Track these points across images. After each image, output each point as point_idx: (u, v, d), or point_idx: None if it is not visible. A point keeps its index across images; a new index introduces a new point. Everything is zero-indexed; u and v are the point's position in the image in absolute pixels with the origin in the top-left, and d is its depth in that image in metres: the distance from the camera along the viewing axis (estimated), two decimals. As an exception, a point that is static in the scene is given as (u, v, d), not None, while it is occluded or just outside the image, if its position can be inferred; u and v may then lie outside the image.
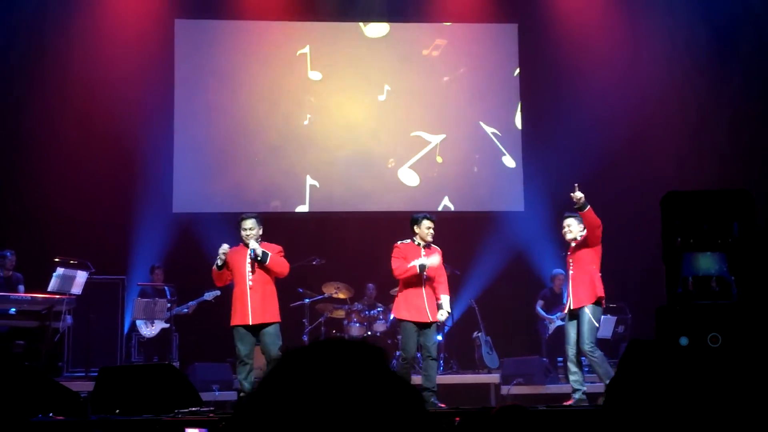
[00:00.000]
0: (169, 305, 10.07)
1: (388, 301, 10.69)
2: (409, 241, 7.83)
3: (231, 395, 8.98)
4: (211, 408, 7.02)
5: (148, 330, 10.10)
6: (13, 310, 9.13)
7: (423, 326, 7.65)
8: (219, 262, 7.43)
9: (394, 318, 8.32)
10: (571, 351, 7.55)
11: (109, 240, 10.94)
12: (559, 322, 10.15)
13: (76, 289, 9.34)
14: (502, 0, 12.21)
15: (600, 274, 7.63)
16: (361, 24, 12.07)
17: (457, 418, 5.83)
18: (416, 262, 7.63)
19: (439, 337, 10.23)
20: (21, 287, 9.61)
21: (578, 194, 7.61)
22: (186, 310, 10.25)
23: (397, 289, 10.20)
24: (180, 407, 6.29)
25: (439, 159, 11.94)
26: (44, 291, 9.24)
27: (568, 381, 7.86)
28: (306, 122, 11.84)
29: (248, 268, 7.40)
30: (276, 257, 7.45)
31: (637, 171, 11.58)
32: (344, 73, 11.95)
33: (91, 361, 9.69)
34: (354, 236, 11.39)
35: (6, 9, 11.14)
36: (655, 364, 2.67)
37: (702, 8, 11.62)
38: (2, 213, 10.81)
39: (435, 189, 11.90)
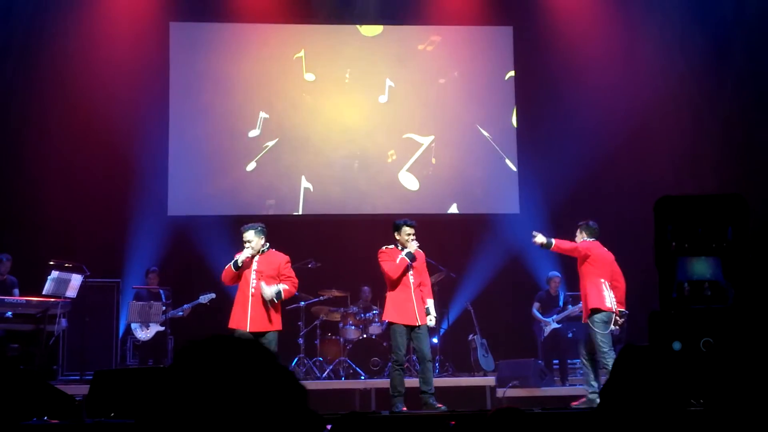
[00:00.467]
0: (164, 308, 10.07)
1: (383, 304, 10.69)
2: (392, 246, 7.88)
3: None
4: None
5: (144, 333, 10.09)
6: (10, 313, 9.12)
7: (413, 329, 7.70)
8: (239, 262, 7.44)
9: (386, 322, 8.35)
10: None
11: (104, 243, 10.93)
12: (554, 325, 10.17)
13: (71, 292, 9.33)
14: (497, 3, 12.23)
15: (601, 284, 7.94)
16: (356, 25, 12.09)
17: (452, 422, 5.84)
18: (402, 255, 7.73)
19: (435, 340, 10.24)
20: (16, 291, 9.59)
21: (538, 239, 8.13)
22: (181, 313, 10.24)
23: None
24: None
25: (433, 161, 11.96)
26: (39, 294, 9.23)
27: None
28: (303, 125, 11.84)
29: (253, 275, 7.47)
30: (288, 291, 7.56)
31: (631, 174, 11.60)
32: (340, 74, 11.96)
33: (86, 365, 9.69)
34: (350, 239, 11.38)
35: (1, 13, 11.13)
36: (648, 369, 2.68)
37: (697, 12, 11.65)
38: (-3, 216, 10.80)
39: (430, 191, 11.90)
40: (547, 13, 12.09)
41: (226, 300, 9.15)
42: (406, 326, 7.69)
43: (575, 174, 11.46)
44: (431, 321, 7.85)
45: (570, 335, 10.06)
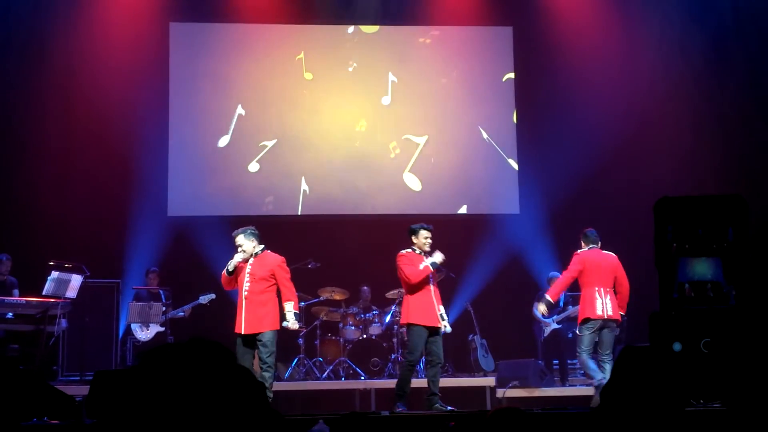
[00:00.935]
0: (164, 309, 10.06)
1: (383, 304, 10.70)
2: (410, 250, 7.87)
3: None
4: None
5: (144, 334, 10.09)
6: (10, 314, 9.11)
7: (433, 332, 7.74)
8: (230, 267, 7.51)
9: (399, 325, 8.36)
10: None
11: (104, 244, 10.93)
12: (555, 326, 10.16)
13: (71, 292, 9.33)
14: (497, 3, 12.23)
15: (594, 292, 8.19)
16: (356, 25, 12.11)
17: (452, 423, 5.83)
18: (427, 262, 7.73)
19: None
20: (16, 291, 9.59)
21: (542, 308, 8.85)
22: (181, 313, 10.24)
23: (396, 291, 10.28)
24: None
25: (432, 161, 11.95)
26: (39, 295, 9.22)
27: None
28: (302, 124, 11.84)
29: (246, 278, 7.48)
30: (295, 304, 7.59)
31: (631, 175, 11.60)
32: (340, 73, 11.96)
33: (85, 365, 9.69)
34: (349, 239, 11.39)
35: (0, 13, 11.13)
36: (648, 369, 2.68)
37: (697, 12, 11.65)
38: (-3, 216, 10.80)
39: (431, 192, 11.90)
40: (547, 13, 12.09)
41: (226, 301, 9.15)
42: (427, 328, 7.70)
43: (575, 174, 11.46)
44: (447, 328, 7.87)
45: (570, 335, 10.05)
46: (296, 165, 11.76)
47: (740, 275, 4.16)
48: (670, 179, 10.98)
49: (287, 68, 11.88)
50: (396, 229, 11.30)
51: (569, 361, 10.12)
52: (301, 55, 11.90)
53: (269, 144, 11.75)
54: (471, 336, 10.69)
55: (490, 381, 9.70)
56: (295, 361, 10.20)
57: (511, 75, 12.13)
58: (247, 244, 7.49)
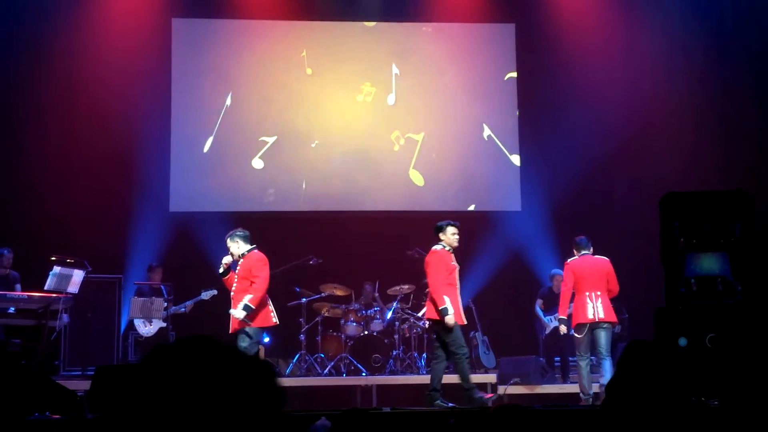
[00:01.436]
0: (165, 304, 10.06)
1: (385, 300, 10.69)
2: (440, 247, 7.87)
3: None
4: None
5: (146, 329, 10.09)
6: (12, 309, 9.12)
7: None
8: (220, 270, 7.75)
9: (426, 319, 8.43)
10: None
11: (106, 239, 10.92)
12: (554, 324, 10.15)
13: (73, 287, 9.33)
14: (500, 0, 12.21)
15: (585, 297, 8.38)
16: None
17: (452, 420, 5.83)
18: (448, 312, 7.66)
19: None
20: (18, 286, 9.58)
21: (562, 328, 8.83)
22: (183, 309, 10.23)
23: (398, 288, 10.31)
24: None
25: (434, 156, 11.94)
26: (41, 290, 9.22)
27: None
28: (304, 120, 11.83)
29: (235, 278, 7.69)
30: (253, 298, 7.46)
31: (633, 172, 11.59)
32: (342, 68, 11.94)
33: (87, 360, 9.70)
34: (351, 235, 11.37)
35: (2, 9, 11.12)
36: (653, 365, 2.67)
37: (699, 9, 11.63)
38: (-1, 211, 10.80)
39: (433, 188, 11.89)
40: (550, 10, 12.07)
41: (227, 297, 9.14)
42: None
43: (577, 172, 11.45)
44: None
45: (572, 332, 10.03)
46: (298, 161, 11.75)
47: (747, 270, 4.15)
48: (673, 177, 10.96)
49: (289, 64, 11.87)
50: (398, 226, 11.33)
51: (570, 359, 10.10)
52: (304, 53, 11.88)
53: (270, 140, 11.74)
54: (472, 333, 10.67)
55: (491, 378, 9.70)
56: (297, 357, 10.20)
57: (514, 72, 12.11)
58: (232, 246, 7.65)
